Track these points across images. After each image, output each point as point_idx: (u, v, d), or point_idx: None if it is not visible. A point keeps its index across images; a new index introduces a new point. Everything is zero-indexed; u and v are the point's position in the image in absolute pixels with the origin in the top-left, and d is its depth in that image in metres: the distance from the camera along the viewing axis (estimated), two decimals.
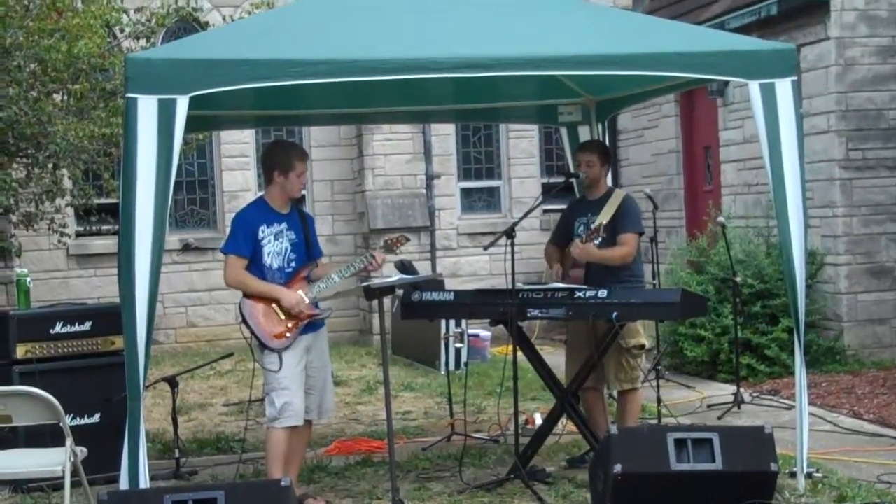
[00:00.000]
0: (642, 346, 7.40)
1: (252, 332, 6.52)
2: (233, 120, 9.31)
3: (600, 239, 7.12)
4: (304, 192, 6.83)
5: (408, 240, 7.05)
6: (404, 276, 7.30)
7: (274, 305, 6.54)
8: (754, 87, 6.47)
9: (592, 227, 7.17)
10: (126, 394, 5.78)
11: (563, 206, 8.24)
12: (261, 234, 6.59)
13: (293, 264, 6.66)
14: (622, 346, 7.20)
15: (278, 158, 6.73)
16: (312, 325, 6.68)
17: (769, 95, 6.46)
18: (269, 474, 6.49)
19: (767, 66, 6.50)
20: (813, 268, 10.57)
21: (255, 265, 6.60)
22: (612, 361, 7.25)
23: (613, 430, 5.97)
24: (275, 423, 6.51)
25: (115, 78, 9.49)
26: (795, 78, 6.57)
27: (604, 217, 7.21)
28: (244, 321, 6.54)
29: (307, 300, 6.59)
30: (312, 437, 8.12)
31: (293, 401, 6.49)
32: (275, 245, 6.61)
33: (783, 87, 6.49)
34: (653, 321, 8.60)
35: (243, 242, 6.60)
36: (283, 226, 6.66)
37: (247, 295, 6.58)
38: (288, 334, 6.52)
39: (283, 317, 6.53)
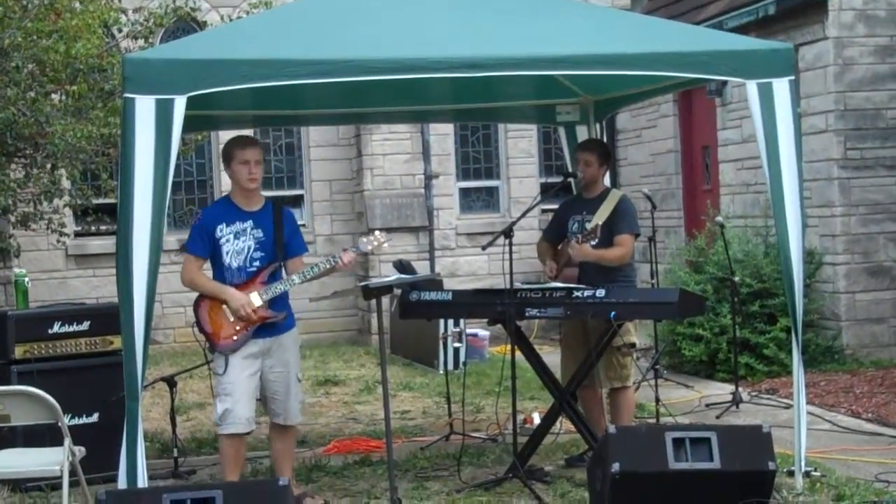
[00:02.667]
0: (633, 345, 7.38)
1: (202, 332, 6.44)
2: (231, 120, 9.30)
3: (596, 240, 7.12)
4: (253, 181, 6.43)
5: (389, 239, 6.79)
6: (403, 276, 7.32)
7: (224, 307, 6.37)
8: (752, 86, 6.46)
9: (589, 227, 7.16)
10: (124, 393, 5.78)
11: None
12: (218, 234, 6.43)
13: (256, 263, 6.45)
14: (612, 345, 7.19)
15: (223, 155, 6.61)
16: (272, 328, 6.47)
17: (767, 95, 6.46)
18: (224, 478, 6.46)
19: (765, 66, 6.50)
20: (811, 267, 10.58)
21: (216, 265, 6.47)
22: (602, 360, 7.23)
23: (611, 429, 5.97)
24: (218, 430, 6.45)
25: (114, 78, 9.47)
26: (793, 77, 6.57)
27: (600, 218, 7.18)
28: (196, 322, 6.47)
29: (259, 302, 6.35)
30: (311, 437, 8.16)
31: (234, 408, 6.32)
32: (234, 244, 6.42)
33: (781, 87, 6.48)
34: (648, 320, 8.59)
35: (199, 242, 6.46)
36: (248, 224, 6.45)
37: (202, 295, 6.47)
38: (235, 337, 6.35)
39: (232, 318, 6.36)
